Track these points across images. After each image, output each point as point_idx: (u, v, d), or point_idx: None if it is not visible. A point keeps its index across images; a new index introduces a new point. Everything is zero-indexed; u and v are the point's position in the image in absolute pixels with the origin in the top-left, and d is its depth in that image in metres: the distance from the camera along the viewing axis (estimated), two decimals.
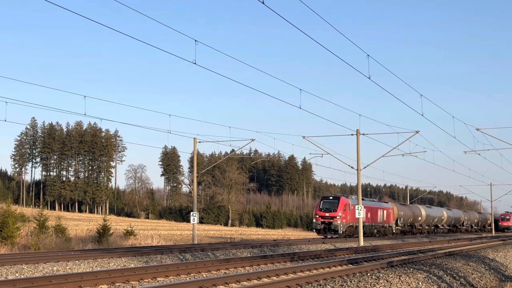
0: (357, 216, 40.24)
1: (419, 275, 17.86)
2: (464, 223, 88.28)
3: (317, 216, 50.06)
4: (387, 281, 16.08)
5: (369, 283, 15.52)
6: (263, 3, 16.57)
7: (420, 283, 16.65)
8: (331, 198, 51.20)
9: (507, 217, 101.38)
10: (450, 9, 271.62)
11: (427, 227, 73.10)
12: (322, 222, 49.34)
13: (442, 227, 78.40)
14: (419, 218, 69.10)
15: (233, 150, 54.52)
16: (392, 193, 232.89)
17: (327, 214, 49.41)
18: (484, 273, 22.10)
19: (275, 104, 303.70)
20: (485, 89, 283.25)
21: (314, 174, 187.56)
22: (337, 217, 48.92)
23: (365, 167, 41.36)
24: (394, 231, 60.65)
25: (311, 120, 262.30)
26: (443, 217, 77.57)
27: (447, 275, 19.19)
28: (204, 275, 18.24)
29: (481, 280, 20.53)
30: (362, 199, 50.02)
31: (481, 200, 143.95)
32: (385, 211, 58.11)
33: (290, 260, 24.24)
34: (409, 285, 16.27)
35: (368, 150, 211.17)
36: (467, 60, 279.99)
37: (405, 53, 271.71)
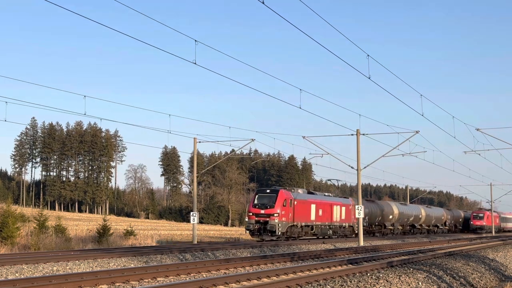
0: (357, 216, 40.24)
1: (419, 275, 17.86)
2: (447, 223, 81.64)
3: (250, 214, 40.65)
4: (387, 281, 16.08)
5: (369, 283, 15.52)
6: (263, 3, 16.57)
7: (420, 283, 16.65)
8: (268, 191, 41.93)
9: (480, 214, 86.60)
10: (450, 9, 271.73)
11: (400, 227, 65.36)
12: (257, 222, 40.00)
13: (420, 227, 71.32)
14: (390, 217, 61.31)
15: (233, 150, 54.53)
16: (392, 193, 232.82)
17: (262, 211, 39.99)
18: (484, 273, 22.10)
19: (275, 104, 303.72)
20: (485, 89, 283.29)
21: (314, 174, 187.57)
22: (275, 214, 39.62)
23: (365, 167, 41.38)
24: (356, 231, 51.61)
25: (311, 120, 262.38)
26: (420, 216, 70.42)
27: (447, 275, 19.20)
28: (204, 275, 18.24)
29: (481, 280, 20.53)
30: (312, 193, 46.54)
31: (481, 200, 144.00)
32: (343, 208, 50.05)
33: (290, 260, 24.23)
34: (409, 285, 16.27)
35: (368, 150, 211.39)
36: (467, 60, 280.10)
37: (405, 53, 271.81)
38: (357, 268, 19.10)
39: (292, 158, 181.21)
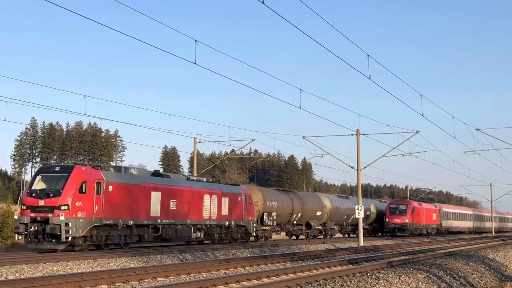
0: (357, 216, 40.23)
1: (419, 275, 17.86)
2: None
3: (24, 207, 26.31)
4: (387, 281, 16.08)
5: (369, 283, 15.52)
6: (263, 3, 16.58)
7: (420, 283, 16.64)
8: (56, 169, 27.02)
9: (402, 207, 58.58)
10: (450, 9, 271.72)
11: (336, 227, 52.60)
12: (33, 220, 25.54)
13: (368, 226, 58.78)
14: (319, 213, 48.12)
15: (233, 150, 54.54)
16: (392, 193, 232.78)
17: (41, 203, 25.63)
18: (484, 273, 22.10)
19: (275, 104, 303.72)
20: (485, 89, 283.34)
21: (314, 174, 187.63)
22: (62, 207, 25.23)
23: (365, 167, 41.39)
24: (254, 233, 39.17)
25: (311, 120, 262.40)
26: (369, 213, 57.18)
27: (447, 275, 19.20)
28: (204, 275, 18.24)
29: (481, 280, 20.53)
30: (159, 175, 31.57)
31: (481, 200, 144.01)
32: (226, 200, 34.97)
33: (290, 260, 24.24)
34: (409, 285, 16.27)
35: (368, 150, 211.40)
36: (467, 60, 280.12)
37: (405, 53, 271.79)
38: (357, 268, 19.11)
39: (292, 158, 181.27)
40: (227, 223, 35.22)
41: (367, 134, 41.29)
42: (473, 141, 44.28)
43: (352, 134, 41.19)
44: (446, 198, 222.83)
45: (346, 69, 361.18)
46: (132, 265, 21.39)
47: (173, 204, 30.83)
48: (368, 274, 17.36)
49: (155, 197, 29.55)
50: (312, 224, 47.53)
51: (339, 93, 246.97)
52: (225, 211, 34.98)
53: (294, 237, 46.84)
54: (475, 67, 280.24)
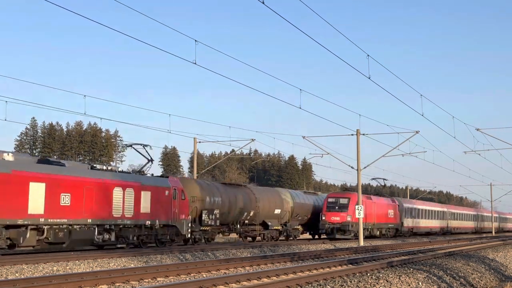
0: (357, 216, 40.23)
1: (419, 275, 17.86)
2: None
3: None
4: (387, 281, 16.09)
5: (369, 283, 15.53)
6: (263, 3, 16.59)
7: (420, 283, 16.65)
8: None
9: (343, 200, 46.42)
10: (451, 9, 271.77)
11: (300, 227, 46.30)
12: None
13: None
14: (277, 211, 41.78)
15: (233, 150, 54.60)
16: (392, 193, 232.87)
17: None
18: (484, 273, 22.11)
19: (275, 104, 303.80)
20: (485, 89, 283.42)
21: (314, 174, 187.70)
22: None
23: (365, 167, 41.40)
24: (188, 235, 32.22)
25: (311, 120, 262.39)
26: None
27: (447, 275, 19.20)
28: (204, 275, 18.24)
29: (481, 280, 20.54)
30: (48, 162, 25.39)
31: (481, 200, 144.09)
32: (147, 195, 28.98)
33: (290, 260, 24.25)
34: (409, 285, 16.27)
35: (368, 150, 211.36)
36: (467, 60, 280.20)
37: (405, 53, 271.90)
38: (357, 268, 19.11)
39: (292, 158, 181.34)
40: (148, 222, 29.06)
41: (367, 134, 41.33)
42: (473, 141, 44.29)
43: (352, 134, 41.21)
44: (446, 198, 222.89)
45: (346, 69, 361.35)
46: (132, 265, 21.40)
47: (65, 199, 24.72)
48: (368, 274, 17.37)
49: (36, 190, 23.58)
50: (269, 224, 41.19)
51: (339, 93, 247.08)
52: (145, 208, 28.88)
53: (250, 239, 41.41)
54: (475, 67, 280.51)
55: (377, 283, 15.63)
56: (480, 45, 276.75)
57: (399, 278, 16.77)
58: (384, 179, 59.32)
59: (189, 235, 32.62)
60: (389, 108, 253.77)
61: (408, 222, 57.89)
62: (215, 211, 35.00)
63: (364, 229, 43.53)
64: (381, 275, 16.97)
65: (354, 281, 15.72)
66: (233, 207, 37.17)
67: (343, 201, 46.55)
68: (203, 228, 34.50)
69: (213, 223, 34.92)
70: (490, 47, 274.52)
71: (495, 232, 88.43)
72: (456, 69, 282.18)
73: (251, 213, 39.18)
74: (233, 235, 44.23)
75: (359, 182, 41.08)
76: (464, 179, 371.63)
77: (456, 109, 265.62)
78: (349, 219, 45.35)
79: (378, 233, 50.72)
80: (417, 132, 38.99)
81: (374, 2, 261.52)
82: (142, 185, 28.91)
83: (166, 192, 30.45)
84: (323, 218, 45.86)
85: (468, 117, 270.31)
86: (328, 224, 45.48)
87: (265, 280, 16.48)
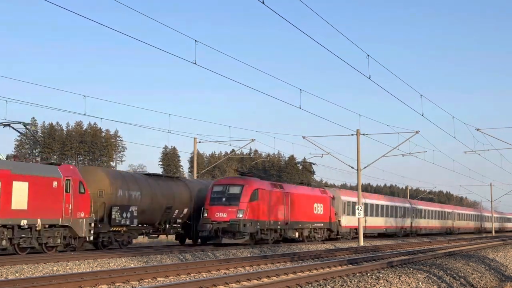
0: (357, 216, 40.22)
1: (419, 275, 17.86)
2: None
3: None
4: (387, 281, 16.08)
5: (369, 283, 15.52)
6: (263, 3, 16.59)
7: (420, 283, 16.65)
8: None
9: (233, 190, 32.71)
10: (450, 9, 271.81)
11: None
12: None
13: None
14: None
15: (233, 150, 54.58)
16: (392, 193, 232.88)
17: None
18: (484, 273, 22.11)
19: (275, 104, 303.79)
20: (485, 89, 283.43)
21: (314, 174, 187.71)
22: None
23: (365, 167, 41.41)
24: (89, 237, 26.10)
25: (311, 120, 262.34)
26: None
27: (447, 275, 19.20)
28: (204, 275, 18.24)
29: (481, 280, 20.53)
30: None
31: (481, 200, 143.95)
32: (24, 186, 22.86)
33: (290, 260, 24.25)
34: (409, 285, 16.27)
35: (368, 150, 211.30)
36: (467, 60, 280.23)
37: (405, 53, 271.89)
38: (357, 268, 19.11)
39: (292, 158, 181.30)
40: (24, 222, 22.82)
41: (367, 134, 41.33)
42: (473, 141, 44.32)
43: (352, 134, 41.22)
44: (446, 198, 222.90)
45: (346, 69, 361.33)
46: (132, 265, 21.40)
47: None
48: (368, 274, 17.37)
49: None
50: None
51: (339, 93, 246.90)
52: (19, 203, 22.63)
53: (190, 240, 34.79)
54: (475, 67, 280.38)
55: (377, 283, 15.62)
56: (480, 45, 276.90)
57: (399, 278, 16.77)
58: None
59: (91, 238, 26.27)
60: (389, 108, 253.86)
61: (348, 221, 45.70)
62: (131, 208, 28.61)
63: (265, 229, 34.27)
64: (381, 275, 16.96)
65: (354, 281, 15.72)
66: (159, 203, 30.57)
67: (233, 190, 32.95)
68: (115, 229, 28.56)
69: (127, 223, 28.57)
70: (490, 47, 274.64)
71: (495, 232, 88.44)
72: (456, 69, 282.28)
73: (184, 211, 32.33)
74: (165, 237, 37.45)
75: (359, 182, 41.07)
76: (464, 179, 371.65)
77: (456, 109, 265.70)
78: (240, 215, 32.21)
79: (291, 235, 37.52)
80: (417, 132, 39.01)
81: (374, 2, 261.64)
82: (14, 173, 22.43)
83: (54, 184, 24.06)
84: (205, 215, 32.54)
85: (468, 117, 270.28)
86: (211, 224, 32.23)
87: (265, 280, 16.48)
